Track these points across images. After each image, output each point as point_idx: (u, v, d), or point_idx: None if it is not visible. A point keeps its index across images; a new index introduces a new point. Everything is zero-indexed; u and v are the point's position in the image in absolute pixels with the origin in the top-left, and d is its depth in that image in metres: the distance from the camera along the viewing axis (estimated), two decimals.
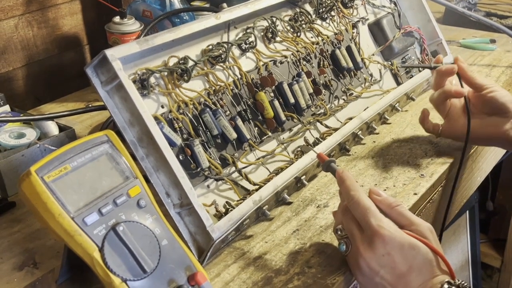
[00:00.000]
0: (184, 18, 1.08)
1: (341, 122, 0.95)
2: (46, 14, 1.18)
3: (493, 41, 1.40)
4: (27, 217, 0.79)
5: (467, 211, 1.71)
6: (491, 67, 1.27)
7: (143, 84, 0.71)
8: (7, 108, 0.97)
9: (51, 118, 0.91)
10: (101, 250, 0.56)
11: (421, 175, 0.88)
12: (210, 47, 0.81)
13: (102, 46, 0.76)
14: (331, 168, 0.73)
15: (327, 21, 1.01)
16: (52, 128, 0.91)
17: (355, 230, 0.66)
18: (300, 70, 0.92)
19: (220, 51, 0.80)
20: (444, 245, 1.60)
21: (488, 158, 1.12)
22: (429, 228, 0.64)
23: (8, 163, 0.81)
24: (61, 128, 0.92)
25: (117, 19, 1.12)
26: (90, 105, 1.11)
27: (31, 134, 0.88)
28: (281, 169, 0.81)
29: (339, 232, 0.68)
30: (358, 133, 0.94)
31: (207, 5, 1.18)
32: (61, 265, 0.66)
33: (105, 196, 0.59)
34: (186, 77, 0.75)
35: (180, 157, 0.72)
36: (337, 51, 0.98)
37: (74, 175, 0.58)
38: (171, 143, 0.70)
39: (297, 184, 0.83)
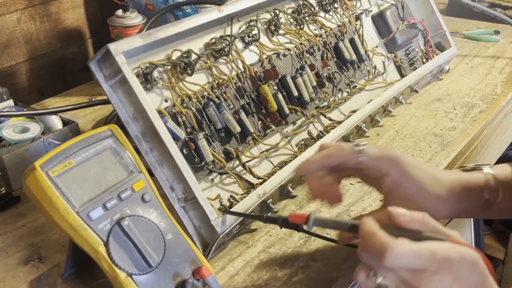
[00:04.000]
0: (187, 11, 1.07)
1: (345, 115, 0.94)
2: (49, 8, 1.17)
3: (497, 32, 1.40)
4: (32, 211, 0.79)
5: None
6: (495, 59, 1.27)
7: (146, 78, 0.71)
8: (10, 102, 0.97)
9: (55, 113, 0.91)
10: (106, 244, 0.56)
11: None
12: (213, 40, 0.80)
13: (105, 39, 0.76)
14: (324, 222, 0.60)
15: (330, 13, 1.01)
16: (55, 122, 0.91)
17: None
18: (304, 63, 0.91)
19: (223, 44, 0.80)
20: None
21: (492, 150, 1.12)
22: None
23: (12, 157, 0.81)
24: (65, 122, 0.92)
25: (119, 12, 1.12)
26: (93, 99, 1.11)
27: (35, 129, 0.88)
28: (285, 163, 0.81)
29: None
30: (362, 126, 0.94)
31: None
32: (66, 260, 0.66)
33: (109, 190, 0.59)
34: (189, 71, 0.75)
35: (184, 151, 0.72)
36: (341, 44, 0.98)
37: (79, 170, 0.58)
38: (175, 137, 0.70)
39: (301, 177, 0.83)
